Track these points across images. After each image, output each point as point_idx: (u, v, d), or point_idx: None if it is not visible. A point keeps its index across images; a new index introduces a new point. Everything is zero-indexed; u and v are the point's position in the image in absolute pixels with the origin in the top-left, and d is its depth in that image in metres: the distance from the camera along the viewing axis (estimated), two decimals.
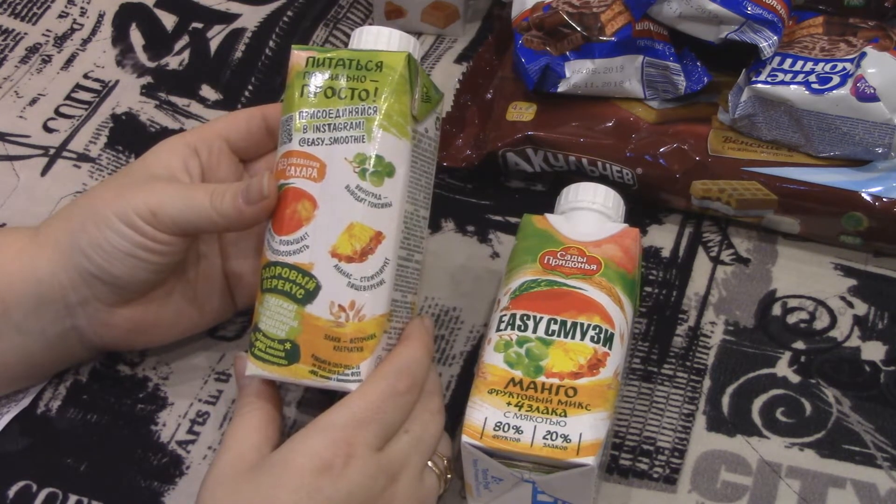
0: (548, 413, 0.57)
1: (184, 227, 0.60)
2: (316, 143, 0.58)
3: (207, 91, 0.83)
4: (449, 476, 0.60)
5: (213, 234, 0.66)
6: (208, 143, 0.64)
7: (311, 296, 0.57)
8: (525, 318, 0.60)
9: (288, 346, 0.57)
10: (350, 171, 0.58)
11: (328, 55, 0.59)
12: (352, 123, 0.58)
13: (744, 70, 0.72)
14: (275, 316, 0.58)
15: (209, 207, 0.59)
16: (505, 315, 0.61)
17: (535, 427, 0.56)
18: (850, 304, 0.70)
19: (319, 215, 0.58)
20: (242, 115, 0.66)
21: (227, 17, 0.88)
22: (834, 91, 0.68)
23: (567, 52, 0.74)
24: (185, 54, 0.85)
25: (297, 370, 0.57)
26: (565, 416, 0.57)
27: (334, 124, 0.58)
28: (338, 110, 0.58)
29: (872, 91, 0.67)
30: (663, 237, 0.74)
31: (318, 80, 0.59)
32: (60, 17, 0.88)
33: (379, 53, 0.59)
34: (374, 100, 0.58)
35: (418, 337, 0.60)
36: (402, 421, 0.58)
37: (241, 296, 0.67)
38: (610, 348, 0.59)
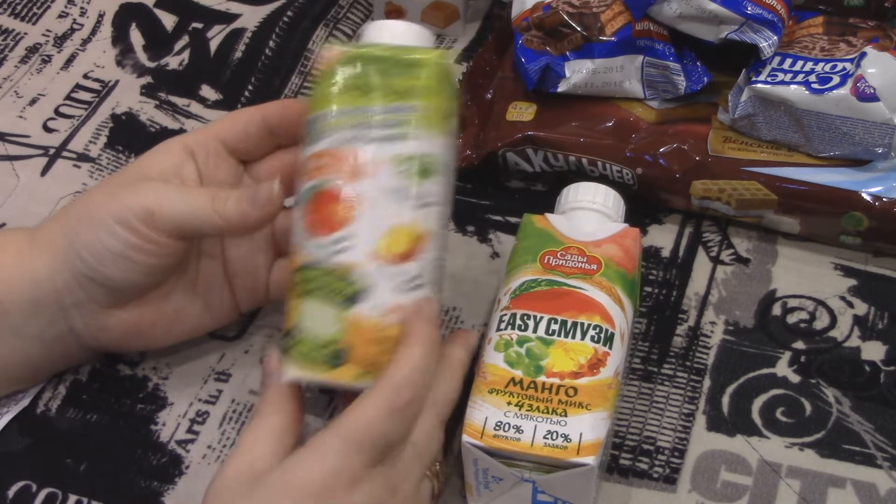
0: (548, 413, 0.57)
1: (182, 228, 0.59)
2: (352, 141, 0.57)
3: (207, 91, 0.83)
4: (442, 479, 0.60)
5: (211, 237, 0.65)
6: (205, 146, 0.63)
7: (354, 298, 0.56)
8: (525, 317, 0.60)
9: (332, 348, 0.56)
10: (390, 172, 0.56)
11: (362, 51, 0.58)
12: (390, 122, 0.57)
13: (744, 70, 0.72)
14: (316, 318, 0.56)
15: (210, 210, 0.59)
16: (505, 315, 0.61)
17: (536, 427, 0.56)
18: (850, 304, 0.70)
19: (360, 216, 0.56)
20: (241, 116, 0.65)
21: (227, 17, 0.88)
22: (834, 91, 0.68)
23: (567, 52, 0.74)
24: (185, 54, 0.85)
25: (343, 373, 0.56)
26: (565, 415, 0.57)
27: (371, 123, 0.57)
28: (375, 108, 0.57)
29: (872, 91, 0.67)
30: (663, 237, 0.74)
31: (352, 77, 0.57)
32: (60, 17, 0.88)
33: (415, 51, 0.58)
34: (412, 98, 0.57)
35: (419, 337, 0.56)
36: (405, 433, 0.56)
37: (245, 297, 0.66)
38: (610, 348, 0.59)
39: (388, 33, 0.60)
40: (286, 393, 0.57)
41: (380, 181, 0.56)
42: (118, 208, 0.59)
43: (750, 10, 0.70)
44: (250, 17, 0.88)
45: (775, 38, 0.70)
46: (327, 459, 0.53)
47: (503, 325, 0.60)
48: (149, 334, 0.64)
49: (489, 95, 0.79)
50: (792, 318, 0.70)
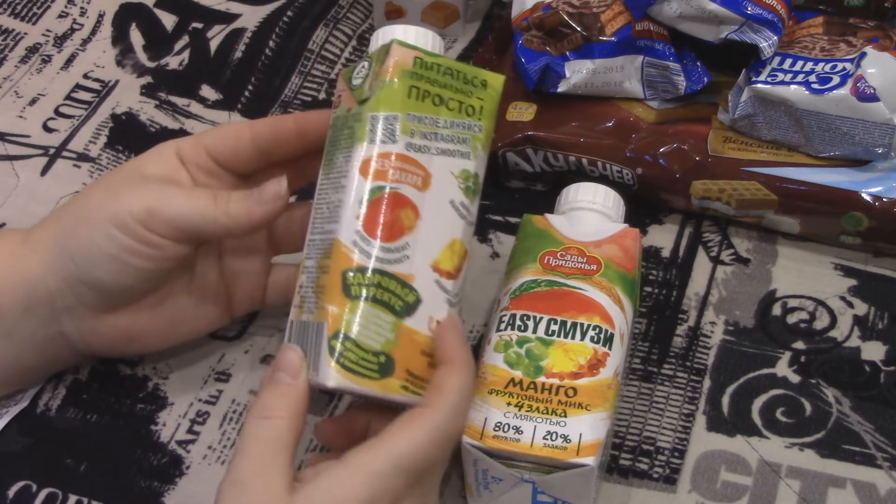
0: (548, 413, 0.57)
1: (182, 229, 0.58)
2: (423, 150, 0.56)
3: (207, 91, 0.83)
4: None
5: (210, 241, 0.63)
6: (195, 158, 0.62)
7: (410, 309, 0.55)
8: (525, 318, 0.60)
9: (382, 358, 0.54)
10: (455, 187, 0.57)
11: (436, 60, 0.57)
12: (458, 137, 0.57)
13: (744, 70, 0.72)
14: (370, 326, 0.54)
15: (213, 208, 0.58)
16: (505, 315, 0.61)
17: (535, 427, 0.56)
18: (850, 304, 0.70)
19: (422, 226, 0.56)
20: (229, 132, 0.62)
21: (227, 17, 0.88)
22: (834, 91, 0.68)
23: (567, 52, 0.74)
24: (185, 54, 0.85)
25: (389, 384, 0.54)
26: (565, 416, 0.57)
27: (441, 134, 0.56)
28: (445, 121, 0.57)
29: (872, 91, 0.67)
30: (663, 237, 0.74)
31: (426, 83, 0.56)
32: (60, 17, 0.88)
33: (482, 71, 0.58)
34: (479, 117, 0.57)
35: (464, 362, 0.55)
36: (447, 457, 0.55)
37: (241, 301, 0.65)
38: (610, 348, 0.59)
39: (412, 39, 0.59)
40: (304, 398, 0.54)
41: (444, 194, 0.56)
42: (116, 209, 0.58)
43: (750, 10, 0.70)
44: (250, 17, 0.88)
45: (775, 38, 0.70)
46: (375, 482, 0.51)
47: (503, 326, 0.60)
48: (141, 340, 0.63)
49: None
50: (792, 318, 0.70)
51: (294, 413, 0.53)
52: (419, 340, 0.55)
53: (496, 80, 0.58)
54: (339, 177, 0.57)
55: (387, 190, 0.55)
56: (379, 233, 0.55)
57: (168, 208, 0.58)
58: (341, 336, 0.54)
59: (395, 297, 0.55)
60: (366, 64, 0.58)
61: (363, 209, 0.55)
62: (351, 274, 0.55)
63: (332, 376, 0.53)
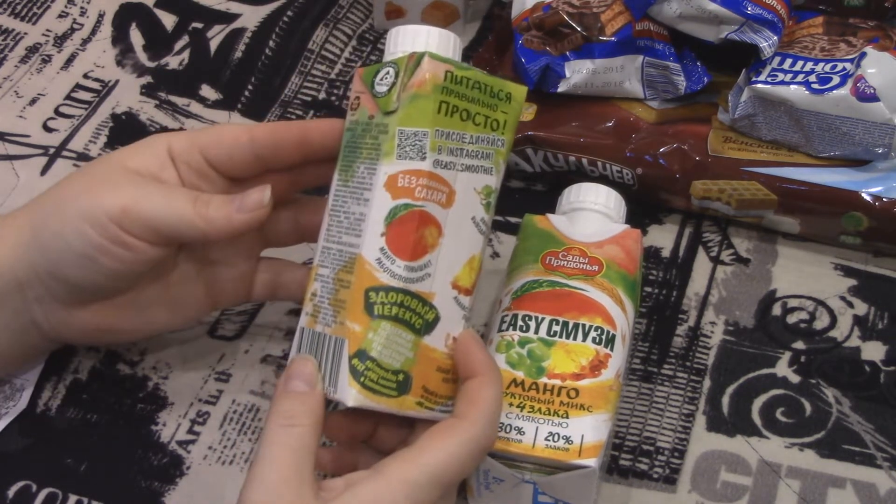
0: (549, 414, 0.57)
1: (158, 231, 0.56)
2: (448, 167, 0.55)
3: (207, 91, 0.83)
4: None
5: (189, 244, 0.61)
6: (186, 157, 0.59)
7: (429, 327, 0.55)
8: (527, 318, 0.60)
9: (401, 377, 0.54)
10: (477, 203, 0.56)
11: (465, 74, 0.56)
12: (482, 153, 0.56)
13: (744, 70, 0.72)
14: (391, 345, 0.54)
15: (192, 211, 0.56)
16: (507, 315, 0.61)
17: (537, 428, 0.57)
18: (850, 304, 0.70)
19: (444, 244, 0.55)
20: (227, 135, 0.59)
21: (227, 17, 0.88)
22: (834, 91, 0.68)
23: (567, 52, 0.74)
24: (185, 54, 0.85)
25: (405, 402, 0.54)
26: (567, 417, 0.57)
27: (466, 150, 0.56)
28: (471, 136, 0.56)
29: (872, 91, 0.67)
30: (663, 237, 0.74)
31: (455, 98, 0.55)
32: (60, 17, 0.87)
33: (508, 84, 0.57)
34: (502, 131, 0.57)
35: (494, 376, 0.55)
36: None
37: (224, 298, 0.64)
38: (611, 349, 0.59)
39: (426, 40, 0.58)
40: (322, 406, 0.54)
41: (466, 211, 0.56)
42: (91, 204, 0.56)
43: (750, 10, 0.70)
44: (250, 17, 0.88)
45: (775, 38, 0.70)
46: (416, 494, 0.51)
47: (505, 326, 0.61)
48: (114, 333, 0.62)
49: None
50: (792, 318, 0.70)
51: (315, 421, 0.53)
52: (435, 357, 0.55)
53: (519, 93, 0.57)
54: (361, 188, 0.56)
55: (413, 208, 0.54)
56: (403, 252, 0.54)
57: (145, 208, 0.56)
58: (363, 355, 0.53)
59: (416, 315, 0.54)
60: (391, 70, 0.56)
61: (388, 227, 0.54)
62: (374, 293, 0.54)
63: (353, 395, 0.53)
